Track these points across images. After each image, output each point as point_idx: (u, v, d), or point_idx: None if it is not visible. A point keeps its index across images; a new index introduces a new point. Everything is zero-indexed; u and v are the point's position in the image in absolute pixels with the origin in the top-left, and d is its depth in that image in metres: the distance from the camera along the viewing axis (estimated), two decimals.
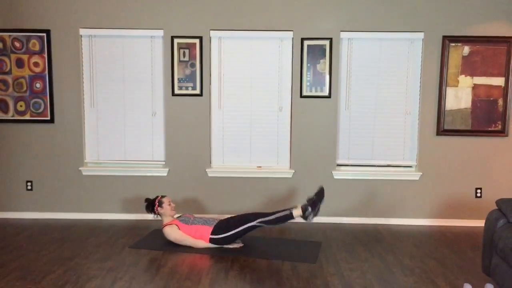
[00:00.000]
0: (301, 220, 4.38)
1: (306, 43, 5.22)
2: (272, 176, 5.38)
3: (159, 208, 4.58)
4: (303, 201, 4.43)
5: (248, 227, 4.36)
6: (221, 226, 4.42)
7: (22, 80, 5.29)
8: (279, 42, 5.31)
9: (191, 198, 5.43)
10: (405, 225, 5.34)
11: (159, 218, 4.64)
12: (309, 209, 4.28)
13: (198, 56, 5.25)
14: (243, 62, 5.35)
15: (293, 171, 5.36)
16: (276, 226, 4.45)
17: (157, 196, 4.66)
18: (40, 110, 5.32)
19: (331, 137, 5.34)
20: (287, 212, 4.35)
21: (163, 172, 5.39)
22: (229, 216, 4.65)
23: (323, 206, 5.35)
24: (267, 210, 4.80)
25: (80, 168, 5.38)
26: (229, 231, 4.37)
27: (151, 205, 4.62)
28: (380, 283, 3.69)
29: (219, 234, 4.38)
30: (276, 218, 4.35)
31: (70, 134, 5.36)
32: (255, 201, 5.35)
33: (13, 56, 5.26)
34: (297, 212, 4.33)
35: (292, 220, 4.40)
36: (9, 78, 5.28)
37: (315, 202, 4.33)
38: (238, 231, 4.37)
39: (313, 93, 5.29)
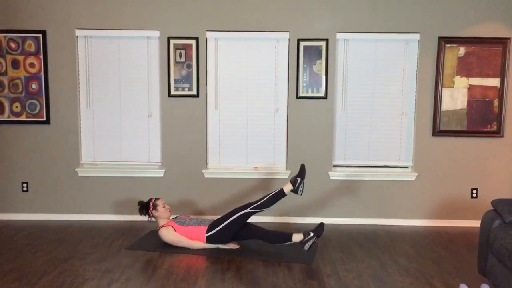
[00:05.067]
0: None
1: (302, 44, 5.22)
2: (268, 177, 5.38)
3: (154, 211, 4.57)
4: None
5: (241, 215, 4.35)
6: (214, 222, 4.44)
7: (18, 81, 5.27)
8: (275, 43, 5.31)
9: (187, 199, 5.42)
10: (401, 225, 5.35)
11: (153, 219, 4.63)
12: (298, 180, 4.35)
13: (195, 57, 5.25)
14: (239, 63, 5.35)
15: (290, 171, 5.36)
16: (271, 207, 4.45)
17: (151, 199, 4.65)
18: (36, 111, 5.30)
19: (328, 138, 5.35)
20: (277, 190, 4.39)
21: (160, 173, 5.39)
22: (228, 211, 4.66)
23: (319, 206, 5.40)
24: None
25: (76, 169, 5.37)
26: (222, 223, 4.37)
27: (144, 208, 4.61)
28: (376, 283, 3.69)
29: (213, 229, 4.37)
30: (268, 199, 4.38)
31: (66, 135, 5.35)
32: None
33: (8, 57, 5.24)
34: (287, 187, 4.38)
35: (284, 198, 4.47)
36: (4, 79, 5.27)
37: (301, 175, 4.40)
38: (231, 221, 4.34)
39: (310, 94, 5.29)
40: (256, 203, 4.41)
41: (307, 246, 4.20)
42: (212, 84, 5.36)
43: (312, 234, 4.21)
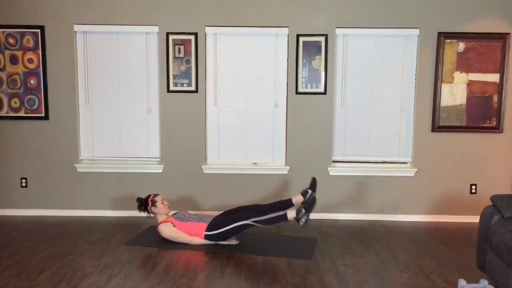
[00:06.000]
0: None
1: (301, 39, 5.21)
2: (267, 172, 5.38)
3: (152, 208, 4.56)
4: (298, 192, 4.55)
5: (242, 225, 4.34)
6: (215, 223, 4.42)
7: (16, 76, 5.26)
8: (274, 38, 5.30)
9: (186, 194, 5.42)
10: (400, 221, 5.36)
11: (152, 216, 4.63)
12: (303, 211, 4.24)
13: (193, 53, 5.24)
14: (238, 58, 5.33)
15: (289, 167, 5.36)
16: (270, 226, 4.47)
17: (149, 195, 4.64)
18: (35, 107, 5.29)
19: (327, 133, 5.35)
20: (281, 213, 4.33)
21: (159, 169, 5.38)
22: (224, 211, 4.66)
23: (318, 202, 5.39)
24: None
25: (75, 165, 5.36)
26: (223, 228, 4.36)
27: (143, 204, 4.61)
28: (375, 279, 3.70)
29: (213, 231, 4.38)
30: (270, 218, 4.32)
31: (64, 130, 5.34)
32: (250, 198, 5.35)
33: (7, 53, 5.23)
34: (291, 214, 4.30)
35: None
36: (3, 75, 5.25)
37: (310, 206, 4.30)
38: (232, 228, 4.35)
39: (309, 90, 5.29)
40: (260, 216, 4.34)
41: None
42: (211, 79, 5.35)
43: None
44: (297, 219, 4.24)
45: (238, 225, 4.35)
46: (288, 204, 4.57)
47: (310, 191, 4.50)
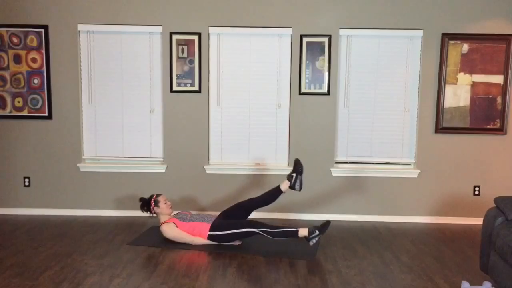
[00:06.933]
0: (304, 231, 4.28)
1: (305, 40, 5.20)
2: (270, 173, 5.37)
3: (155, 208, 4.56)
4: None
5: (250, 231, 4.29)
6: (219, 223, 4.40)
7: (20, 76, 5.27)
8: (278, 39, 5.30)
9: (189, 195, 5.42)
10: (403, 222, 5.34)
11: (155, 216, 4.63)
12: (316, 232, 4.18)
13: (197, 53, 5.24)
14: (241, 58, 5.33)
15: (291, 168, 5.34)
16: (278, 240, 4.36)
17: (152, 195, 4.64)
18: (38, 106, 5.30)
19: (330, 134, 5.34)
20: (293, 229, 4.25)
21: (161, 169, 5.38)
22: (222, 211, 4.64)
23: (321, 203, 5.39)
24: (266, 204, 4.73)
25: (78, 165, 5.37)
26: (229, 230, 4.33)
27: (146, 204, 4.60)
28: (377, 280, 3.69)
29: (218, 231, 4.36)
30: (281, 232, 4.24)
31: (68, 130, 5.34)
32: None
33: (10, 52, 5.24)
34: (302, 232, 4.22)
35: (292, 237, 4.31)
36: (6, 74, 5.26)
37: (323, 228, 4.22)
38: (238, 232, 4.31)
39: (312, 90, 5.28)
40: (271, 228, 4.24)
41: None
42: (214, 80, 5.35)
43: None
44: (308, 239, 4.20)
45: (245, 231, 4.29)
46: (277, 192, 4.54)
47: (294, 174, 4.51)
